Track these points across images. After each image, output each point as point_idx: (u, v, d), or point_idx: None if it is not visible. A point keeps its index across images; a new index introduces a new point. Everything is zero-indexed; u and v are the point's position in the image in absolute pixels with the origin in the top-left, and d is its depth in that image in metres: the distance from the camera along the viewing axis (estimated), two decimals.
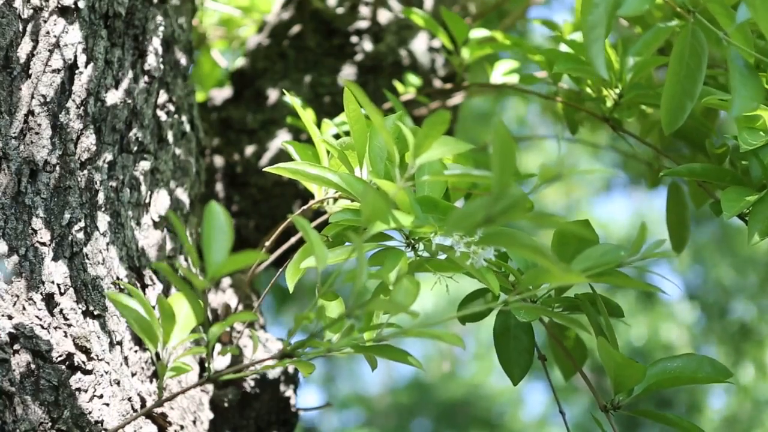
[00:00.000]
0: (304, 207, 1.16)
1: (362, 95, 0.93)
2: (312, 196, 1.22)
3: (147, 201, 1.31)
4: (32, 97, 1.15)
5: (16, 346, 1.04)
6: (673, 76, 1.09)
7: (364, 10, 1.85)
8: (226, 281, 1.55)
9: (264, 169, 1.12)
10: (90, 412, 1.08)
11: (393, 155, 0.96)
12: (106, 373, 1.12)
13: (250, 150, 1.79)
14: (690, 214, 1.46)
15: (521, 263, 1.09)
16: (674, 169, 1.24)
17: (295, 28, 1.86)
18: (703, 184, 1.31)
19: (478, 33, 1.61)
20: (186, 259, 1.38)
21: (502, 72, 1.62)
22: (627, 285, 0.94)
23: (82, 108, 1.19)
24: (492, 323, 1.12)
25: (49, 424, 1.04)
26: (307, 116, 1.19)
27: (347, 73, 1.81)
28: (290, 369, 1.44)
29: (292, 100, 1.21)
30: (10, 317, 1.05)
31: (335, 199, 1.18)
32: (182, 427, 1.24)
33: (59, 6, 1.20)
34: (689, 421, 1.12)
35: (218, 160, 1.80)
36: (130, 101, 1.28)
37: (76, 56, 1.20)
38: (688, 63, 1.08)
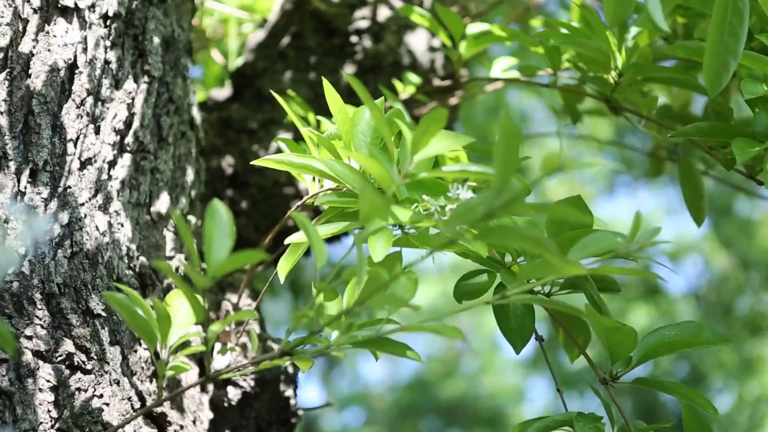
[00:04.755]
0: (299, 203, 1.16)
1: (362, 89, 0.93)
2: None
3: (147, 201, 1.31)
4: (32, 97, 1.15)
5: (16, 346, 1.04)
6: (716, 35, 1.07)
7: (364, 10, 1.85)
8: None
9: (251, 162, 1.12)
10: (90, 412, 1.08)
11: (390, 141, 0.96)
12: (106, 372, 1.12)
13: (250, 150, 1.79)
14: (704, 184, 1.45)
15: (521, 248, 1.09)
16: (682, 130, 1.22)
17: (295, 28, 1.86)
18: (711, 152, 1.29)
19: (476, 27, 1.60)
20: (186, 259, 1.37)
21: (502, 68, 1.62)
22: (626, 274, 0.93)
23: (82, 108, 1.19)
24: (491, 313, 1.12)
25: (49, 424, 1.04)
26: (290, 110, 1.19)
27: (347, 72, 1.81)
28: (290, 369, 1.44)
29: (279, 97, 1.20)
30: (10, 317, 1.05)
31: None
32: (182, 427, 1.24)
33: (59, 6, 1.20)
34: (688, 387, 1.10)
35: (218, 160, 1.79)
36: (130, 101, 1.28)
37: (76, 56, 1.20)
38: (731, 21, 1.06)
